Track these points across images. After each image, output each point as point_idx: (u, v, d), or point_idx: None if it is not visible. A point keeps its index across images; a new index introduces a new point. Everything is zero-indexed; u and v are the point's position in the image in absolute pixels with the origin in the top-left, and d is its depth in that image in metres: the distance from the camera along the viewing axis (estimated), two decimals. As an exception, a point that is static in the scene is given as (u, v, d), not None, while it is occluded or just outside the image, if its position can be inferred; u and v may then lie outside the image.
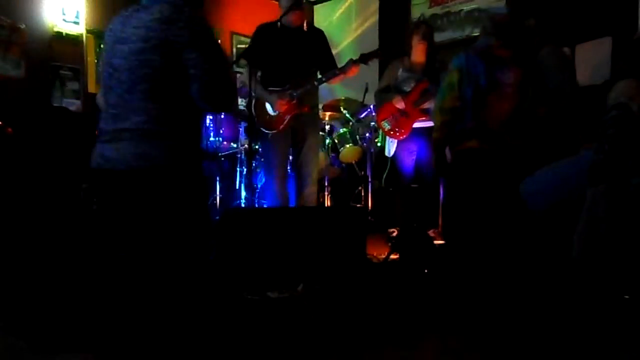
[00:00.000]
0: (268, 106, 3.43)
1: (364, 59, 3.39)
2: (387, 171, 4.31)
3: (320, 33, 3.61)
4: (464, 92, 2.85)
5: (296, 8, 3.34)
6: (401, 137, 3.88)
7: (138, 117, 1.65)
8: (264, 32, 3.45)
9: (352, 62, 3.34)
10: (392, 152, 3.98)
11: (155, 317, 1.60)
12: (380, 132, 4.17)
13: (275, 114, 3.42)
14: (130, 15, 1.74)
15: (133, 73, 1.66)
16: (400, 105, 3.82)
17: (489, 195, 2.79)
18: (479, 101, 2.82)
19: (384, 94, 3.95)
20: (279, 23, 3.38)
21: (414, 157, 3.93)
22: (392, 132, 3.90)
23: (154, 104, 1.66)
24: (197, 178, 1.77)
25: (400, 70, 3.90)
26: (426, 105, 3.76)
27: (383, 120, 3.92)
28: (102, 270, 2.76)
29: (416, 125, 3.85)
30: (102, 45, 1.79)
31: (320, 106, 4.04)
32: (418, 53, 3.85)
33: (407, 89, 3.83)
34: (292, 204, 3.68)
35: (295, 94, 3.37)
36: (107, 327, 1.66)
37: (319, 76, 3.50)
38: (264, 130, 3.46)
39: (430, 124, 3.74)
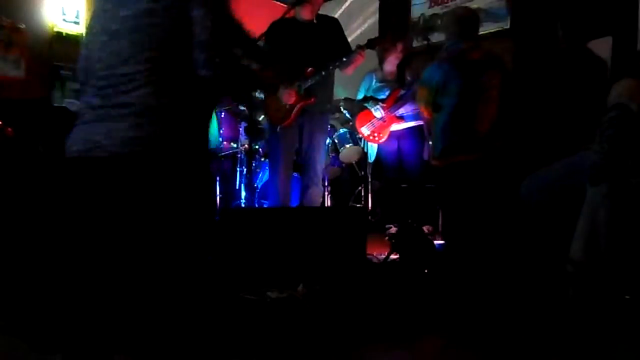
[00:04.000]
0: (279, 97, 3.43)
1: (370, 44, 3.44)
2: (370, 172, 4.57)
3: (333, 22, 3.62)
4: (444, 105, 2.86)
5: (305, 2, 3.35)
6: (380, 141, 4.18)
7: (140, 91, 1.37)
8: (277, 29, 3.44)
9: (358, 49, 3.39)
10: (373, 157, 4.37)
11: (155, 317, 1.42)
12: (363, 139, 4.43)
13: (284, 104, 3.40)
14: None
15: (135, 38, 1.39)
16: (378, 113, 4.10)
17: (485, 203, 2.80)
18: (461, 112, 2.83)
19: (362, 104, 4.23)
20: (291, 18, 3.40)
21: (397, 159, 4.20)
22: (371, 137, 4.19)
23: (157, 78, 1.39)
24: (204, 167, 1.53)
25: (374, 80, 4.27)
26: (401, 111, 4.07)
27: (362, 127, 4.19)
28: (102, 270, 2.76)
29: (393, 128, 4.13)
30: (93, 14, 1.55)
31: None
32: (391, 64, 4.20)
33: (382, 97, 4.15)
34: (295, 204, 3.68)
35: (303, 85, 3.37)
36: (110, 326, 1.50)
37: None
38: (272, 124, 3.47)
39: (407, 125, 4.13)
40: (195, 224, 1.45)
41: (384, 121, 4.10)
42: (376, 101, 4.12)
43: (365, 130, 4.19)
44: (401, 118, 4.09)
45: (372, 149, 4.36)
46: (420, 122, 4.03)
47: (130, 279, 1.41)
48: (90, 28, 1.49)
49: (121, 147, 1.33)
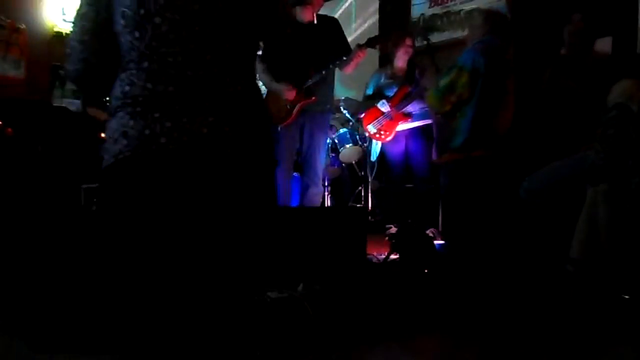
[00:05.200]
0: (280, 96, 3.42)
1: (370, 42, 3.43)
2: (374, 172, 4.47)
3: (333, 22, 3.61)
4: (481, 94, 2.74)
5: (306, 3, 3.34)
6: (386, 140, 4.07)
7: (227, 85, 1.21)
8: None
9: (358, 47, 3.38)
10: (375, 156, 4.24)
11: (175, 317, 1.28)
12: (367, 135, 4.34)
13: (285, 104, 3.40)
14: None
15: (220, 24, 1.20)
16: (385, 108, 3.99)
17: (488, 202, 2.79)
18: (489, 108, 2.77)
19: (369, 101, 4.14)
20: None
21: (404, 158, 4.11)
22: (377, 135, 4.09)
23: (242, 71, 1.24)
24: (273, 164, 1.38)
25: (383, 77, 4.14)
26: (409, 109, 3.98)
27: (369, 124, 4.10)
28: (101, 270, 2.76)
29: (400, 127, 4.04)
30: None
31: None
32: (402, 60, 4.06)
33: (390, 94, 4.04)
34: (295, 204, 3.68)
35: (303, 84, 3.37)
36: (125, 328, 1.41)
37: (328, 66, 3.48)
38: (272, 124, 3.46)
39: (414, 124, 4.04)
40: (265, 220, 1.33)
41: (391, 119, 4.02)
42: (383, 98, 4.02)
43: (371, 128, 4.09)
44: (409, 115, 3.99)
45: (376, 147, 4.25)
46: (428, 121, 3.97)
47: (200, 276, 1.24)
48: (132, 2, 1.17)
49: (234, 141, 1.18)
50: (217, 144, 1.16)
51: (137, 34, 1.17)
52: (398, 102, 3.97)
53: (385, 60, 4.39)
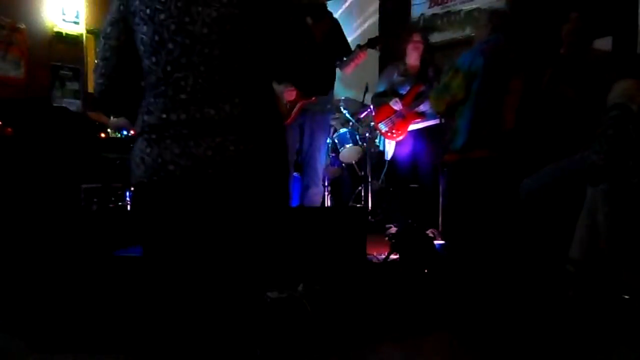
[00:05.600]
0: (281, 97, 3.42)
1: (371, 43, 3.42)
2: (384, 171, 4.40)
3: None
4: (478, 96, 2.76)
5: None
6: (398, 139, 4.01)
7: (234, 105, 1.24)
8: None
9: (359, 48, 3.37)
10: (390, 155, 4.12)
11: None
12: (377, 133, 4.24)
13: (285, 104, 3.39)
14: None
15: (228, 47, 1.23)
16: (396, 107, 3.93)
17: (489, 202, 2.78)
18: (488, 108, 2.77)
19: (381, 98, 4.07)
20: None
21: (412, 158, 4.02)
22: (389, 134, 4.03)
23: (250, 89, 1.27)
24: (287, 177, 1.42)
25: (396, 74, 4.05)
26: (421, 108, 3.91)
27: (380, 122, 4.03)
28: (101, 270, 2.76)
29: (412, 127, 3.98)
30: (136, 9, 1.28)
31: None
32: (413, 57, 3.97)
33: (403, 92, 3.97)
34: (295, 204, 3.68)
35: None
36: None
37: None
38: None
39: (424, 124, 3.96)
40: (275, 239, 1.39)
41: (403, 118, 3.95)
42: (396, 96, 3.95)
43: (383, 127, 4.03)
44: (422, 115, 3.92)
45: (389, 146, 4.15)
46: (437, 121, 3.90)
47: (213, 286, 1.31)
48: (158, 22, 1.24)
49: (240, 162, 1.23)
50: (220, 165, 1.22)
51: (154, 59, 1.26)
52: (411, 101, 3.91)
53: (386, 61, 4.36)
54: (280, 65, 1.35)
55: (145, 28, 1.26)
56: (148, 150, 1.25)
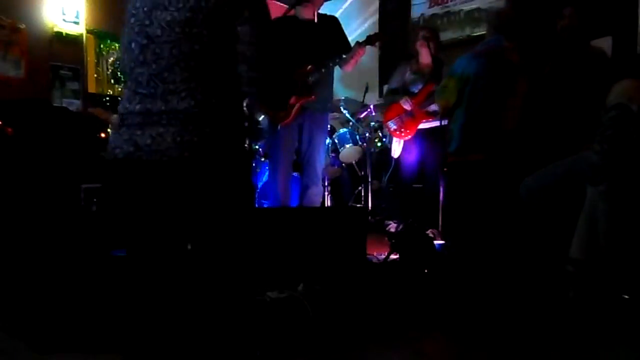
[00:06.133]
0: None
1: (370, 40, 3.41)
2: (390, 170, 4.37)
3: (332, 20, 3.60)
4: (467, 100, 2.77)
5: (306, 2, 3.34)
6: (406, 138, 3.97)
7: (180, 99, 1.39)
8: (277, 27, 3.42)
9: (358, 45, 3.37)
10: (398, 153, 4.07)
11: (171, 315, 1.43)
12: (384, 132, 4.21)
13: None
14: None
15: (177, 47, 1.39)
16: (407, 106, 3.90)
17: (488, 203, 2.78)
18: (483, 112, 2.77)
19: (393, 95, 4.04)
20: (291, 16, 3.39)
21: (418, 158, 4.00)
22: (397, 132, 4.00)
23: (199, 85, 1.40)
24: (242, 170, 1.53)
25: (408, 72, 4.01)
26: (432, 107, 3.86)
27: (389, 120, 4.00)
28: (102, 270, 2.76)
29: (421, 126, 3.94)
30: (131, 10, 1.50)
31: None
32: (424, 56, 3.94)
33: (415, 90, 3.93)
34: (295, 204, 3.68)
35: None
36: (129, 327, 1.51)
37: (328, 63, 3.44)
38: (271, 123, 3.46)
39: (432, 124, 3.90)
40: (233, 224, 1.48)
41: (413, 117, 3.91)
42: (407, 94, 3.91)
43: (392, 125, 3.99)
44: (432, 114, 3.87)
45: (396, 145, 4.10)
46: (446, 122, 3.90)
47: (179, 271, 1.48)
48: (129, 26, 1.46)
49: (172, 151, 1.36)
50: (155, 154, 1.38)
51: (125, 57, 1.48)
52: (422, 100, 3.87)
53: (386, 60, 4.36)
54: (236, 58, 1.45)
55: (124, 30, 1.48)
56: (111, 135, 1.47)
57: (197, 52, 1.40)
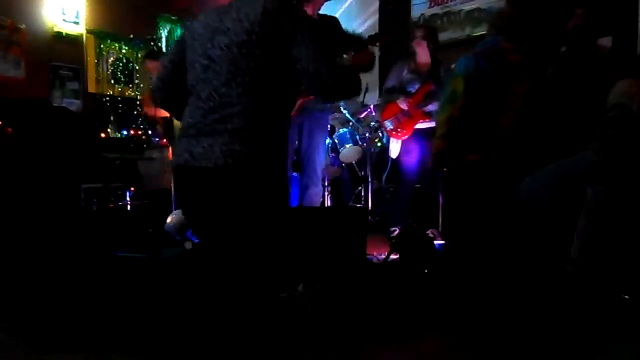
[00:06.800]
0: None
1: (372, 40, 3.39)
2: (387, 171, 4.36)
3: (332, 21, 3.60)
4: (470, 101, 2.74)
5: (307, 1, 3.33)
6: (403, 137, 3.94)
7: (233, 111, 1.56)
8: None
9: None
10: (396, 153, 4.04)
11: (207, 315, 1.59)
12: (383, 132, 4.19)
13: None
14: (230, 7, 1.66)
15: (233, 65, 1.58)
16: (404, 105, 3.87)
17: (487, 204, 2.78)
18: (486, 112, 2.75)
19: (390, 95, 3.99)
20: None
21: (418, 158, 3.97)
22: (394, 132, 3.96)
23: (251, 100, 1.58)
24: (281, 179, 1.71)
25: (405, 71, 3.96)
26: (430, 107, 3.84)
27: (386, 119, 3.97)
28: (101, 270, 2.76)
29: (419, 126, 3.91)
30: (189, 37, 1.74)
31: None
32: (422, 55, 3.88)
33: (412, 90, 3.90)
34: (295, 204, 3.68)
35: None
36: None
37: None
38: None
39: (431, 125, 3.82)
40: (272, 227, 1.67)
41: (410, 117, 3.87)
42: (404, 93, 3.87)
43: (388, 124, 3.95)
44: (429, 115, 3.84)
45: (395, 145, 4.05)
46: None
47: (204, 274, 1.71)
48: (192, 49, 1.69)
49: (219, 159, 1.54)
50: (208, 162, 1.55)
51: (189, 76, 1.69)
52: (419, 101, 3.85)
53: (386, 60, 4.35)
54: (297, 78, 1.61)
55: (189, 52, 1.70)
56: (182, 145, 1.64)
57: (252, 69, 1.57)
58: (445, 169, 3.03)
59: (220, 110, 1.57)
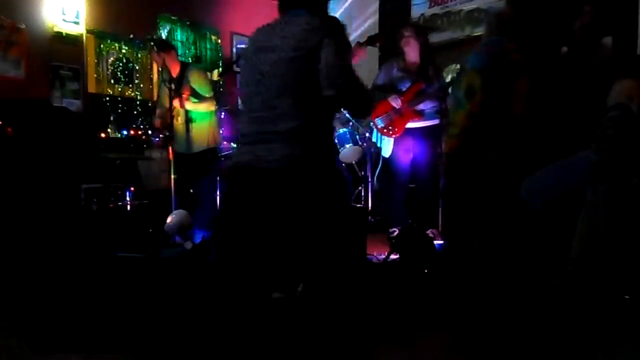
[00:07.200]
0: None
1: (371, 40, 3.39)
2: (379, 170, 4.36)
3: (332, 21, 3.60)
4: (488, 97, 2.72)
5: None
6: (394, 136, 3.94)
7: (287, 121, 1.73)
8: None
9: (359, 45, 3.35)
10: (389, 152, 4.03)
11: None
12: (375, 131, 4.17)
13: None
14: (277, 26, 1.85)
15: (283, 79, 1.75)
16: (395, 103, 3.86)
17: (488, 203, 2.78)
18: (492, 108, 2.75)
19: (380, 92, 3.97)
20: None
21: (410, 157, 3.97)
22: (385, 130, 3.96)
23: (301, 110, 1.74)
24: (335, 172, 1.89)
25: (395, 69, 3.96)
26: (421, 107, 3.85)
27: (377, 117, 3.96)
28: (102, 270, 2.76)
29: (410, 125, 3.91)
30: (243, 58, 1.98)
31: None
32: (412, 54, 3.88)
33: (402, 88, 3.90)
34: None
35: None
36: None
37: None
38: None
39: (424, 124, 3.88)
40: (338, 219, 1.88)
41: (401, 115, 3.87)
42: (395, 91, 3.88)
43: (379, 122, 3.95)
44: (420, 113, 3.86)
45: (387, 144, 4.04)
46: (437, 122, 3.84)
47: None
48: (245, 66, 1.90)
49: (278, 162, 1.72)
50: (268, 164, 1.73)
51: (243, 90, 1.90)
52: (411, 99, 3.85)
53: (386, 59, 4.34)
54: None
55: (242, 70, 1.94)
56: (239, 150, 1.91)
57: (300, 83, 1.74)
58: (459, 169, 3.01)
59: (275, 120, 1.73)
